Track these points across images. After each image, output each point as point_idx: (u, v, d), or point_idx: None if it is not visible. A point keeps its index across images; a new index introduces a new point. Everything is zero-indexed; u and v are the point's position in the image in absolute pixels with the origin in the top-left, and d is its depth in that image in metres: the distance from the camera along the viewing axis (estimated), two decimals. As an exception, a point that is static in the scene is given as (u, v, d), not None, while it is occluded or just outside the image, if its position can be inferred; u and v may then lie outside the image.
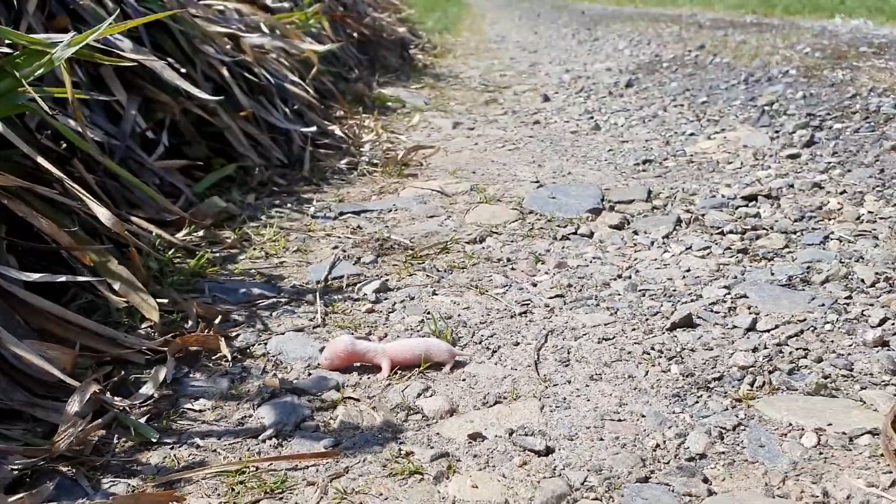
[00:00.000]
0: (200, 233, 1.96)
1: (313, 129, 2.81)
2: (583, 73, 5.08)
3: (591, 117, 3.68)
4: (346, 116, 3.41)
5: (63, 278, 1.33)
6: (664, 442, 1.15)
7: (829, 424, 1.16)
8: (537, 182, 2.56)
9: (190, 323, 1.51)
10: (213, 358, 1.42)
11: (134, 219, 1.83)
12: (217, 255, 1.91)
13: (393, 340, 1.48)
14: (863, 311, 1.51)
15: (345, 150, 2.94)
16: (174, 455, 1.15)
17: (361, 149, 3.05)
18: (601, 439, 1.17)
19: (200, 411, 1.27)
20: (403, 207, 2.35)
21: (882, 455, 1.07)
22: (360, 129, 3.33)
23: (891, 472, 1.03)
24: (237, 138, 2.44)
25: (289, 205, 2.35)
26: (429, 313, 1.62)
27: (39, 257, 1.51)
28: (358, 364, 1.40)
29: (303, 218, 2.25)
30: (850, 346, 1.39)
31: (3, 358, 1.21)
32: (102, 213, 1.52)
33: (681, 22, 7.74)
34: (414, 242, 2.04)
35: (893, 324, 1.45)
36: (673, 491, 1.04)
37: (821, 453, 1.10)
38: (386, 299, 1.71)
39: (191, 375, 1.37)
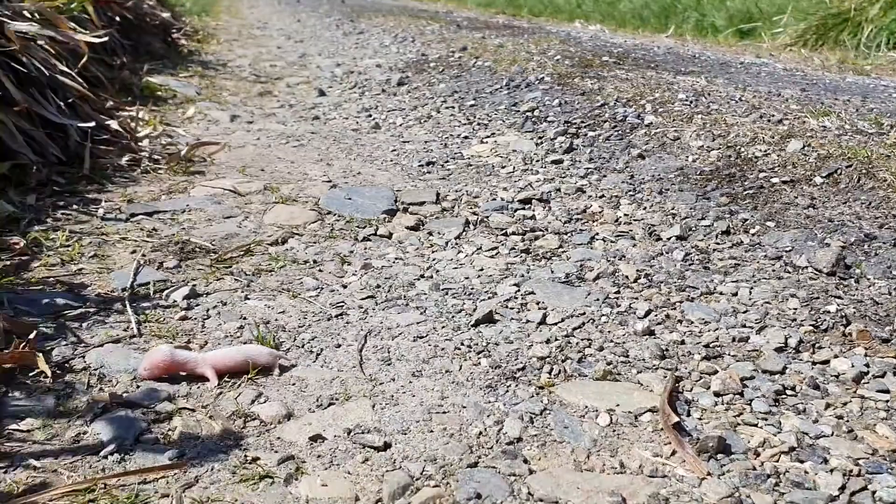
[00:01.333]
0: (-18, 239, 1.84)
1: (91, 123, 2.67)
2: (354, 68, 5.19)
3: (370, 115, 3.80)
4: (119, 108, 3.26)
5: None
6: (486, 429, 1.31)
7: (618, 405, 1.37)
8: (330, 182, 2.64)
9: (-4, 341, 1.44)
10: (31, 375, 1.37)
11: None
12: (7, 263, 1.80)
13: (213, 349, 1.51)
14: (630, 304, 1.77)
15: (124, 145, 2.83)
16: (10, 479, 1.12)
17: (140, 143, 2.94)
18: (431, 431, 1.30)
19: (28, 431, 1.24)
20: (197, 208, 2.33)
21: (662, 429, 1.30)
22: (134, 121, 3.20)
23: (670, 444, 1.26)
24: (10, 134, 2.28)
25: (74, 206, 2.24)
26: (245, 318, 1.67)
27: None
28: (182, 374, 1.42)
29: (92, 220, 2.16)
30: (623, 335, 1.64)
31: None
32: None
33: (440, 19, 8.09)
34: (216, 245, 2.05)
35: (656, 315, 1.72)
36: (499, 473, 1.20)
37: (614, 430, 1.31)
38: (198, 305, 1.73)
39: (10, 395, 1.31)
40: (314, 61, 5.55)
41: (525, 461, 1.23)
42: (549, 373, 1.49)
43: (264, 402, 1.37)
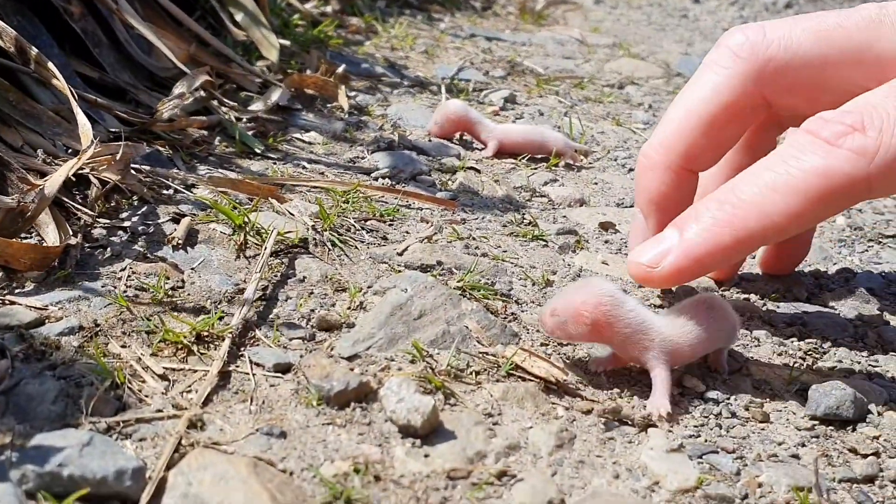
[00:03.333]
0: (328, 8, 1.83)
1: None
2: (737, -11, 4.72)
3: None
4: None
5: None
6: (826, 271, 0.99)
7: None
8: (686, 54, 2.34)
9: (308, 72, 1.38)
10: (329, 105, 1.30)
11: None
12: (341, 37, 1.78)
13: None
14: None
15: (480, -12, 2.75)
16: (278, 169, 1.04)
17: (497, -4, 2.85)
18: (754, 257, 1.01)
19: (310, 143, 1.16)
20: (538, 44, 2.17)
21: None
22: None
23: None
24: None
25: (419, 17, 2.20)
26: (559, 128, 1.47)
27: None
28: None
29: (432, 30, 2.09)
30: None
31: (116, 36, 1.11)
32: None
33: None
34: (547, 72, 1.87)
35: None
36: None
37: None
38: (513, 109, 1.56)
39: (304, 114, 1.25)
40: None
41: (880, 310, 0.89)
42: (932, 248, 1.11)
43: (558, 185, 1.16)
